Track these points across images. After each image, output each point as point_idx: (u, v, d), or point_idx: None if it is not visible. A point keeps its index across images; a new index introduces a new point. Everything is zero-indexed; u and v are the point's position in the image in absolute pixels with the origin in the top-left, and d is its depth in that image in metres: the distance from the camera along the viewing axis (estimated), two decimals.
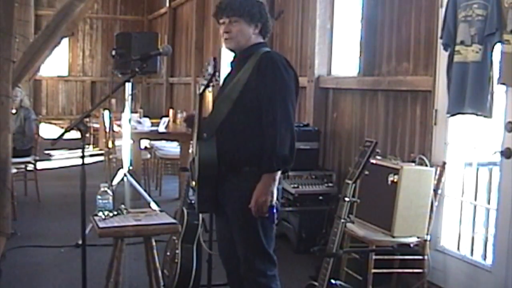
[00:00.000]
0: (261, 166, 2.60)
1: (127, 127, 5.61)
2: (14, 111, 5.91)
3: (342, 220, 2.57)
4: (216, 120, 2.72)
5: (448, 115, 3.63)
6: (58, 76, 13.77)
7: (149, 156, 7.41)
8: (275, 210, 2.60)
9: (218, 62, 2.89)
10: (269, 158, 2.57)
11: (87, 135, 9.96)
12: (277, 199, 2.66)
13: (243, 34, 2.74)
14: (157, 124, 6.98)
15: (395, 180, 3.56)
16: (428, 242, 3.64)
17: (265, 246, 2.71)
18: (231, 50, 2.84)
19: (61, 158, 9.52)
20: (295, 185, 4.76)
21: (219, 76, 2.81)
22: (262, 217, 2.61)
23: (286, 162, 2.59)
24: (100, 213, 3.14)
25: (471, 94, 3.37)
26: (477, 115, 3.37)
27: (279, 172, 2.61)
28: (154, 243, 3.18)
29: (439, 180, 3.70)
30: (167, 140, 7.35)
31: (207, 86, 2.78)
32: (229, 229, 2.81)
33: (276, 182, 2.61)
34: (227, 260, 2.92)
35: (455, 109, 3.52)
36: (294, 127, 2.62)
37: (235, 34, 2.74)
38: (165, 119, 7.04)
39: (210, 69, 2.77)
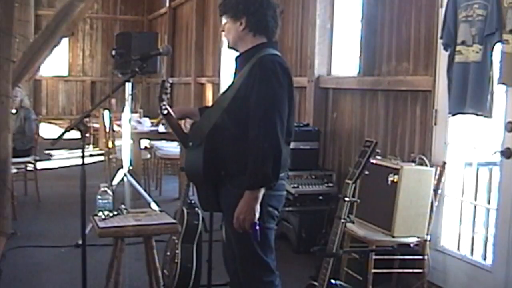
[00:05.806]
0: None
1: (127, 127, 5.60)
2: (14, 111, 5.92)
3: (342, 220, 2.57)
4: (204, 129, 2.65)
5: (450, 115, 3.63)
6: (58, 76, 13.78)
7: (149, 156, 7.41)
8: (257, 227, 2.47)
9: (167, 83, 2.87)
10: (249, 176, 2.44)
11: (87, 135, 10.01)
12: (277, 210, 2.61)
13: (230, 32, 2.66)
14: (157, 124, 6.97)
15: (395, 180, 3.56)
16: (428, 242, 3.64)
17: (259, 253, 2.61)
18: (234, 49, 2.73)
19: (61, 158, 9.52)
20: (295, 185, 4.76)
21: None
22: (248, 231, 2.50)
23: (267, 181, 2.45)
24: (100, 213, 3.14)
25: (472, 94, 3.37)
26: (477, 115, 3.37)
27: (262, 190, 2.46)
28: (154, 243, 3.19)
29: (439, 180, 3.70)
30: (167, 140, 7.34)
31: (160, 108, 2.76)
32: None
33: (259, 200, 2.45)
34: (230, 259, 2.86)
35: (456, 109, 3.52)
36: (280, 143, 2.44)
37: (226, 33, 2.69)
38: None
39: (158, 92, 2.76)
